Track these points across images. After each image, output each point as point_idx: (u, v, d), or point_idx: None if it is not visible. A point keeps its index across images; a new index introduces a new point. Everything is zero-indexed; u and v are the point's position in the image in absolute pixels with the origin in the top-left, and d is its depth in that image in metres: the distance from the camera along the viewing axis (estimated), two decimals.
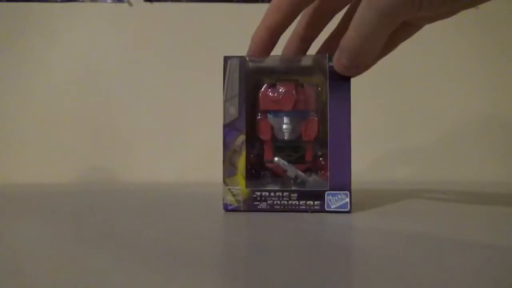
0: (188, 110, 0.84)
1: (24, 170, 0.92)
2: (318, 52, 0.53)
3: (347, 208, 0.47)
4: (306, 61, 0.52)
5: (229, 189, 0.48)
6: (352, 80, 0.47)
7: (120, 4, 0.95)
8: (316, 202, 0.47)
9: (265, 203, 0.48)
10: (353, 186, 0.47)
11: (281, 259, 0.29)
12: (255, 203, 0.48)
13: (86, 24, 0.95)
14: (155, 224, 0.43)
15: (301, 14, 0.50)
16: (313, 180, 0.50)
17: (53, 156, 0.92)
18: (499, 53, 0.92)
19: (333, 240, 0.36)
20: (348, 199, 0.47)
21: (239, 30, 0.98)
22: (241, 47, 1.01)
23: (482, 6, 0.93)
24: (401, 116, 0.90)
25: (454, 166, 0.89)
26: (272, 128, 0.52)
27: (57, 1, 0.95)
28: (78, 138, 0.91)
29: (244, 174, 0.48)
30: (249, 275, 0.26)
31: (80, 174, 0.90)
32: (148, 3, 0.96)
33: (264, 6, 1.02)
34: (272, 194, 0.48)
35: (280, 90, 0.51)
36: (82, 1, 0.94)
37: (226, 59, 0.50)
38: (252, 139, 0.52)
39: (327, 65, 0.48)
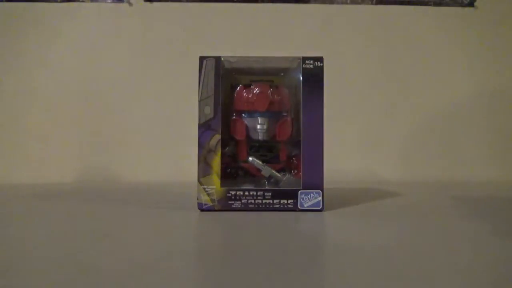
0: (187, 110, 0.83)
1: (24, 170, 0.90)
2: None
3: (319, 206, 0.48)
4: (281, 63, 0.53)
5: (204, 189, 0.49)
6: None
7: (120, 4, 0.94)
8: (289, 201, 0.48)
9: (240, 202, 0.48)
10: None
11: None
12: (230, 202, 0.48)
13: (86, 24, 0.94)
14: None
15: None
16: (286, 180, 0.51)
17: (54, 156, 0.90)
18: (498, 52, 0.95)
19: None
20: (320, 198, 0.48)
21: (239, 30, 0.98)
22: (241, 47, 1.01)
23: (480, 6, 0.96)
24: (397, 116, 0.92)
25: (451, 166, 0.91)
26: (247, 128, 0.52)
27: (57, 1, 0.93)
28: (78, 138, 0.90)
29: (219, 174, 0.49)
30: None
31: (80, 174, 0.89)
32: (148, 3, 0.95)
33: (264, 6, 1.04)
34: (246, 193, 0.49)
35: (255, 91, 0.51)
36: (82, 1, 0.92)
37: (202, 59, 0.50)
38: (227, 139, 0.53)
39: (302, 67, 0.49)
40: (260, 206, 0.48)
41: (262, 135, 0.52)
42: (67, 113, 0.94)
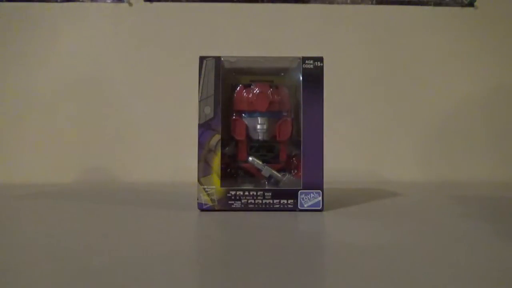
0: (187, 110, 0.83)
1: (24, 170, 0.90)
2: None
3: (319, 206, 0.48)
4: (281, 63, 0.53)
5: (204, 189, 0.49)
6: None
7: (120, 4, 0.94)
8: (289, 201, 0.48)
9: (240, 202, 0.48)
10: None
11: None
12: (230, 202, 0.48)
13: (86, 24, 0.94)
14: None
15: None
16: (286, 180, 0.51)
17: (54, 156, 0.90)
18: (498, 52, 0.95)
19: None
20: (320, 198, 0.48)
21: (239, 30, 0.98)
22: (241, 47, 1.01)
23: (480, 6, 0.96)
24: (397, 116, 0.92)
25: (451, 166, 0.91)
26: (247, 128, 0.52)
27: (57, 1, 0.93)
28: (78, 138, 0.90)
29: (219, 174, 0.49)
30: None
31: (80, 174, 0.90)
32: (148, 3, 0.95)
33: (264, 6, 1.04)
34: (246, 193, 0.49)
35: (255, 91, 0.52)
36: (82, 1, 0.92)
37: (202, 59, 0.50)
38: (227, 139, 0.53)
39: (302, 67, 0.49)
40: (260, 206, 0.48)
41: (262, 135, 0.52)
42: (67, 113, 0.94)
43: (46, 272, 0.26)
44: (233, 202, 0.48)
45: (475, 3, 0.96)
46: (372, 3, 0.95)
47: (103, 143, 0.93)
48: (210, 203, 0.48)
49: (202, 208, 0.48)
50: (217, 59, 0.50)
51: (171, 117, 0.94)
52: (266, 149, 0.53)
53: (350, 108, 0.94)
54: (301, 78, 0.49)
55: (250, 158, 0.52)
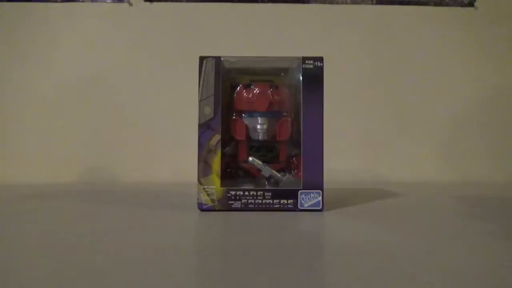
0: (187, 110, 0.83)
1: (25, 170, 0.90)
2: None
3: (319, 206, 0.48)
4: (281, 63, 0.53)
5: (204, 189, 0.49)
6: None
7: (120, 4, 0.94)
8: (289, 201, 0.48)
9: (240, 202, 0.48)
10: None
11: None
12: (230, 202, 0.48)
13: (86, 24, 0.94)
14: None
15: None
16: (286, 180, 0.51)
17: (54, 156, 0.90)
18: (498, 52, 0.95)
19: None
20: (320, 198, 0.48)
21: (239, 30, 0.98)
22: (241, 47, 1.01)
23: (480, 6, 0.96)
24: (397, 116, 0.92)
25: (451, 166, 0.91)
26: (247, 128, 0.52)
27: (57, 1, 0.94)
28: (78, 138, 0.90)
29: (219, 174, 0.49)
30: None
31: (80, 174, 0.89)
32: (148, 3, 0.95)
33: (264, 6, 1.04)
34: (246, 193, 0.49)
35: (255, 91, 0.51)
36: (82, 1, 0.93)
37: (202, 59, 0.50)
38: (227, 139, 0.53)
39: (302, 67, 0.49)
40: (260, 206, 0.48)
41: (262, 135, 0.52)
42: (67, 113, 0.94)
43: (46, 272, 0.26)
44: (233, 202, 0.48)
45: (475, 3, 0.96)
46: (372, 3, 0.95)
47: (103, 143, 0.93)
48: (210, 203, 0.48)
49: (202, 208, 0.48)
50: (217, 59, 0.50)
51: (171, 117, 0.94)
52: (266, 149, 0.53)
53: (349, 108, 0.94)
54: (301, 78, 0.49)
55: (250, 158, 0.52)
